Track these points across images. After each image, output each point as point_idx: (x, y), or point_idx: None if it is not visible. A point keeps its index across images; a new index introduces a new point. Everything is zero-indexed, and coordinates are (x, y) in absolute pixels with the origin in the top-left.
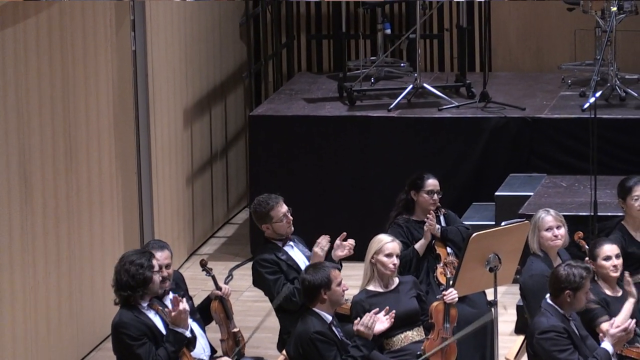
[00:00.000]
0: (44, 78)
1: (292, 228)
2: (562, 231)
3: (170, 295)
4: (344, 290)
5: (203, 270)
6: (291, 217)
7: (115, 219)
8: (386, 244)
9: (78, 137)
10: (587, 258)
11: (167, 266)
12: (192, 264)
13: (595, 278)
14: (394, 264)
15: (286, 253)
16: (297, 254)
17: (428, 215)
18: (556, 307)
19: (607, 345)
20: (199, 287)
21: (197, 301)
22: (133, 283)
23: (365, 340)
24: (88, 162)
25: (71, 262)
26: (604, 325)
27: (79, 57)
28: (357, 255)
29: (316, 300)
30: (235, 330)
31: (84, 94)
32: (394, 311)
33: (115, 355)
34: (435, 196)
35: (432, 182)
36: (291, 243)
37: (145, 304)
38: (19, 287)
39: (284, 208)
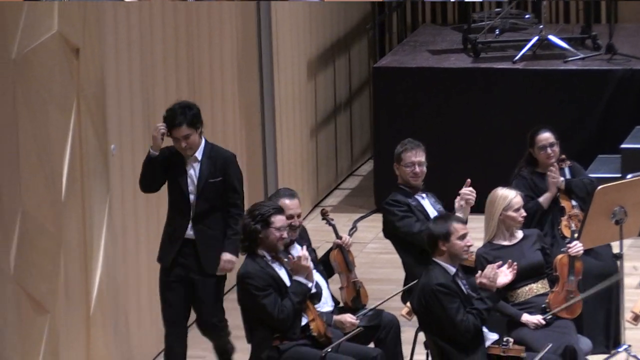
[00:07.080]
0: (168, 30)
1: (420, 182)
2: None
3: (296, 245)
4: (468, 246)
5: (323, 219)
6: (420, 170)
7: None
8: (513, 199)
9: (202, 90)
10: None
11: (298, 215)
12: (315, 215)
13: None
14: (523, 216)
15: (417, 200)
16: (427, 205)
17: (551, 168)
18: None
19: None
20: (323, 239)
21: (320, 252)
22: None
23: (490, 292)
24: (212, 115)
25: None
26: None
27: (204, 10)
28: (479, 207)
29: (436, 251)
30: (355, 280)
31: (208, 47)
32: (515, 264)
33: (240, 305)
34: (548, 150)
35: (543, 137)
36: (422, 194)
37: (269, 256)
38: (144, 270)
39: (416, 157)
